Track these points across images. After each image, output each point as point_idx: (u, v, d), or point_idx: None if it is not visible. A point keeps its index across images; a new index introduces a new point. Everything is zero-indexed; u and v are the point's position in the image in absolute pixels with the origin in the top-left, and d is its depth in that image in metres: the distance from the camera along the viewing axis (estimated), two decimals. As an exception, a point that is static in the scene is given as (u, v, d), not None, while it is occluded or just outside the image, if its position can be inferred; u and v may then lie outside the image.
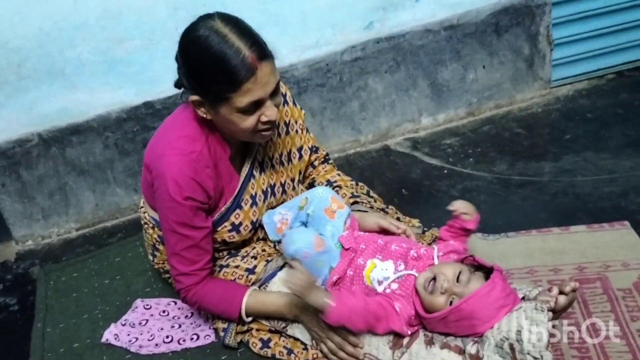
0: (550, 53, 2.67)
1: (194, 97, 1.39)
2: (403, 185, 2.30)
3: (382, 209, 1.84)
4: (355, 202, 1.76)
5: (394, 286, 1.45)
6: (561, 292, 1.29)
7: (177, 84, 1.46)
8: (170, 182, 1.42)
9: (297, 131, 1.73)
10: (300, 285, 1.32)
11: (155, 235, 1.72)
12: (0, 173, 2.22)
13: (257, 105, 1.36)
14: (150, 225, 1.71)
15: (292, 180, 1.73)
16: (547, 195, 2.08)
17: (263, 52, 1.33)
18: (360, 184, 1.89)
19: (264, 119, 1.39)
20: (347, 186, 1.82)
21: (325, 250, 1.51)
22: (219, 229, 1.58)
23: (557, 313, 1.30)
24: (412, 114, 2.63)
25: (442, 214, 1.59)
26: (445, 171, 2.35)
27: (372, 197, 1.87)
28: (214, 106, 1.38)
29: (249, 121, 1.38)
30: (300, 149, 1.74)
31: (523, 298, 1.36)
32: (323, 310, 1.34)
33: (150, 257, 1.85)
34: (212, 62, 1.31)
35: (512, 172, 2.25)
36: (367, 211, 1.72)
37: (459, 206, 1.52)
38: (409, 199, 2.20)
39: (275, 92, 1.39)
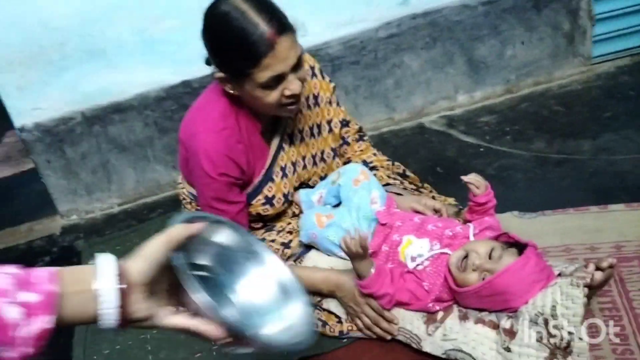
0: (591, 28, 2.59)
1: (219, 74, 1.41)
2: (438, 163, 2.29)
3: (417, 188, 1.84)
4: (388, 184, 1.74)
5: (426, 263, 1.46)
6: (598, 268, 1.28)
7: (207, 61, 1.47)
8: (204, 160, 1.45)
9: (326, 103, 1.73)
10: (353, 248, 1.36)
11: (193, 210, 1.76)
12: (45, 150, 2.30)
13: (278, 79, 1.37)
14: (188, 200, 1.75)
15: (322, 152, 1.74)
16: (585, 174, 2.04)
17: (282, 26, 1.32)
18: (397, 163, 1.88)
19: (287, 92, 1.39)
20: (383, 167, 1.81)
21: (330, 223, 1.55)
22: (253, 202, 1.60)
23: (594, 289, 1.30)
24: (447, 91, 2.60)
25: (467, 201, 1.59)
26: (482, 149, 2.32)
27: (407, 176, 1.87)
28: (238, 82, 1.39)
29: (272, 96, 1.39)
30: (329, 122, 1.74)
31: (559, 275, 1.35)
32: (361, 278, 1.41)
33: (189, 232, 1.89)
34: (232, 38, 1.32)
35: (550, 150, 2.21)
36: (401, 194, 1.72)
37: (470, 178, 1.54)
38: (443, 177, 2.18)
39: (297, 66, 1.38)
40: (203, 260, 0.97)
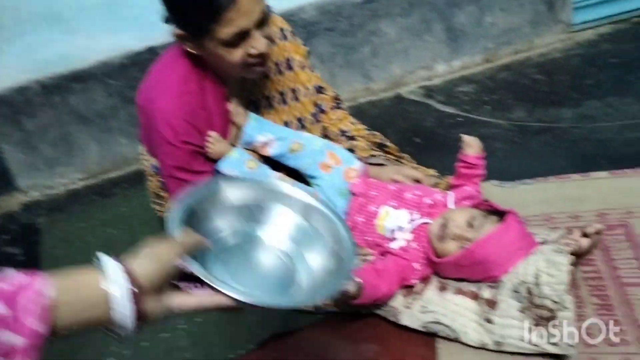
0: (572, -5, 2.55)
1: (178, 31, 1.32)
2: (416, 133, 2.24)
3: (397, 159, 1.78)
4: (372, 156, 1.70)
5: (409, 236, 1.41)
6: (584, 235, 1.23)
7: (166, 19, 1.38)
8: (164, 126, 1.38)
9: (299, 68, 1.65)
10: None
11: (157, 183, 1.69)
12: (1, 122, 2.20)
13: (242, 36, 1.29)
14: (151, 173, 1.68)
15: (299, 120, 1.67)
16: (567, 142, 2.00)
17: None
18: (375, 132, 1.82)
19: (252, 51, 1.32)
20: (361, 136, 1.75)
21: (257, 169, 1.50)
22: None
23: (579, 257, 1.25)
24: (426, 60, 2.54)
25: (456, 162, 1.54)
26: (460, 119, 2.28)
27: (386, 146, 1.81)
28: (199, 40, 1.31)
29: (236, 54, 1.31)
30: (305, 87, 1.67)
31: (542, 243, 1.31)
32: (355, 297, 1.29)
33: (155, 206, 1.81)
34: None
35: (530, 119, 2.17)
36: (383, 164, 1.67)
37: (468, 138, 1.51)
38: (422, 148, 2.14)
39: (262, 22, 1.31)
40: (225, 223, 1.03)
